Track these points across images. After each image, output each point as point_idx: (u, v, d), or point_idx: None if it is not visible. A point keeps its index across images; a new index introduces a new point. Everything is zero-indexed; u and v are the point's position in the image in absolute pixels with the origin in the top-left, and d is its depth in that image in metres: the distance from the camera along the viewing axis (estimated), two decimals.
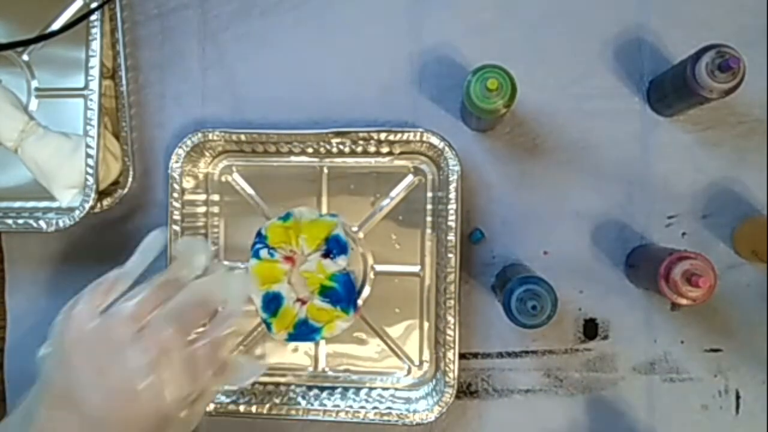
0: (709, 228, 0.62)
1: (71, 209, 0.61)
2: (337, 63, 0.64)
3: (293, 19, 0.65)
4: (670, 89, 0.58)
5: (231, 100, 0.65)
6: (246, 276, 0.63)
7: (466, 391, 0.64)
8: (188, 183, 0.63)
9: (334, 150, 0.63)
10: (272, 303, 0.63)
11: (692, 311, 0.62)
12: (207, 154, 0.64)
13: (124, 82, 0.63)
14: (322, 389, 0.63)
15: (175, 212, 0.62)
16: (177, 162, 0.62)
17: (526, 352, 0.63)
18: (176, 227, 0.62)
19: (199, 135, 0.62)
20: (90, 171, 0.59)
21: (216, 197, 0.65)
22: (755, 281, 0.62)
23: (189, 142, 0.62)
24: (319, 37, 0.64)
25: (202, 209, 0.65)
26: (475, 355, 0.64)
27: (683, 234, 0.62)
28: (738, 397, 0.62)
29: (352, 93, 0.64)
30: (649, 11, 0.62)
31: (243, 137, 0.62)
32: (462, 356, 0.63)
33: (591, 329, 0.63)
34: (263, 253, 0.63)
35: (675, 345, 0.62)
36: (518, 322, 0.53)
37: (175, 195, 0.62)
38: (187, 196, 0.63)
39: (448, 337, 0.60)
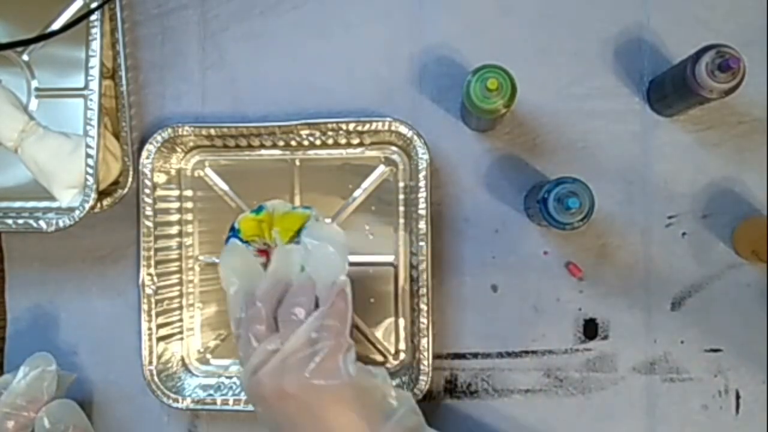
0: (709, 228, 0.62)
1: (71, 209, 0.61)
2: (337, 63, 0.64)
3: (293, 19, 0.65)
4: (670, 89, 0.58)
5: (231, 100, 0.65)
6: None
7: (466, 391, 0.64)
8: (160, 178, 0.64)
9: (305, 142, 0.63)
10: None
11: (692, 311, 0.62)
12: (178, 149, 0.65)
13: (124, 82, 0.63)
14: None
15: (147, 208, 0.62)
16: (148, 158, 0.62)
17: (526, 352, 0.63)
18: (148, 223, 0.62)
19: (169, 130, 0.62)
20: (90, 171, 0.59)
21: (189, 192, 0.66)
22: (755, 281, 0.62)
23: (159, 138, 0.62)
24: (319, 37, 0.64)
25: (175, 204, 0.65)
26: (475, 355, 0.64)
27: (683, 234, 0.62)
28: (738, 397, 0.62)
29: (351, 93, 0.64)
30: (649, 11, 0.62)
31: (213, 131, 0.62)
32: (462, 356, 0.63)
33: (591, 329, 0.63)
34: None
35: (675, 345, 0.62)
36: (557, 223, 0.54)
37: (147, 191, 0.63)
38: (160, 192, 0.64)
39: (422, 326, 0.60)
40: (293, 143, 0.64)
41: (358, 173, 0.64)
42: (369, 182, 0.64)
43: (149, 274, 0.62)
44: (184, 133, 0.63)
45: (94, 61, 0.60)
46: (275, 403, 0.49)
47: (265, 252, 0.64)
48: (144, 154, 0.62)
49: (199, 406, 0.62)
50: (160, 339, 0.63)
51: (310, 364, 0.47)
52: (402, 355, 0.64)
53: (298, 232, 0.63)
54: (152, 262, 0.63)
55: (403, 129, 0.61)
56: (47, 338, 0.66)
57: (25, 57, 0.65)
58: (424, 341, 0.60)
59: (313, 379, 0.47)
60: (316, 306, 0.50)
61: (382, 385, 0.50)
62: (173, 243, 0.65)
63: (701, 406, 0.62)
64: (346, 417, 0.48)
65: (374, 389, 0.50)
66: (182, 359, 0.65)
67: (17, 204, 0.65)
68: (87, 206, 0.60)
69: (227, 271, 0.53)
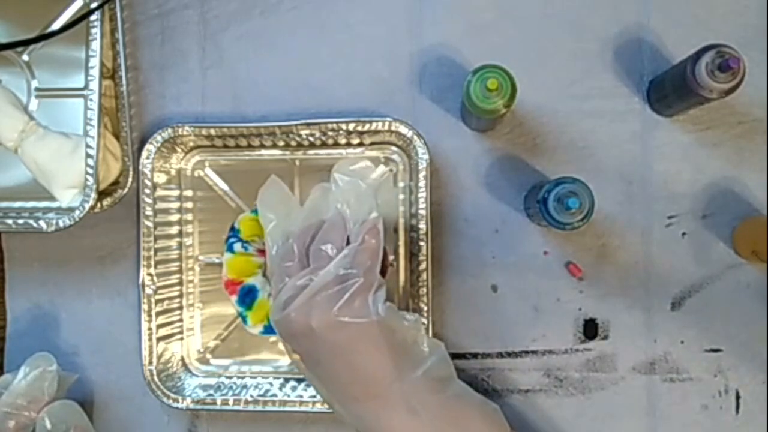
0: (709, 228, 0.62)
1: (71, 209, 0.61)
2: (336, 63, 0.64)
3: (293, 19, 0.65)
4: (670, 89, 0.58)
5: (231, 100, 0.65)
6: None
7: None
8: (160, 178, 0.64)
9: (305, 143, 0.63)
10: (247, 296, 0.63)
11: (692, 311, 0.62)
12: (179, 149, 0.65)
13: (124, 82, 0.63)
14: (299, 381, 0.64)
15: (147, 208, 0.62)
16: (148, 158, 0.62)
17: (526, 352, 0.63)
18: (148, 223, 0.62)
19: (169, 130, 0.62)
20: (90, 171, 0.59)
21: (189, 192, 0.66)
22: (755, 281, 0.62)
23: (159, 138, 0.62)
24: (319, 37, 0.64)
25: (175, 204, 0.65)
26: (475, 356, 0.64)
27: (683, 234, 0.62)
28: (738, 397, 0.62)
29: (351, 93, 0.64)
30: (649, 11, 0.62)
31: (213, 131, 0.62)
32: (462, 356, 0.63)
33: (591, 329, 0.63)
34: (237, 246, 0.63)
35: (675, 345, 0.62)
36: (557, 223, 0.53)
37: (147, 191, 0.63)
38: (160, 192, 0.64)
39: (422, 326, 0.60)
40: (293, 143, 0.64)
41: None
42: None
43: (149, 274, 0.62)
44: (184, 133, 0.63)
45: (94, 61, 0.60)
46: (303, 340, 0.48)
47: (264, 252, 0.64)
48: (144, 154, 0.62)
49: (199, 406, 0.62)
50: (160, 339, 0.63)
51: (338, 300, 0.47)
52: None
53: None
54: (152, 262, 0.63)
55: (403, 129, 0.61)
56: (47, 338, 0.66)
57: (25, 57, 0.65)
58: None
59: (340, 316, 0.46)
60: (349, 243, 0.50)
61: (413, 330, 0.49)
62: (173, 243, 0.65)
63: (701, 406, 0.62)
64: (372, 356, 0.47)
65: (404, 332, 0.48)
66: (182, 359, 0.65)
67: (17, 204, 0.64)
68: (87, 206, 0.60)
69: (264, 207, 0.53)
